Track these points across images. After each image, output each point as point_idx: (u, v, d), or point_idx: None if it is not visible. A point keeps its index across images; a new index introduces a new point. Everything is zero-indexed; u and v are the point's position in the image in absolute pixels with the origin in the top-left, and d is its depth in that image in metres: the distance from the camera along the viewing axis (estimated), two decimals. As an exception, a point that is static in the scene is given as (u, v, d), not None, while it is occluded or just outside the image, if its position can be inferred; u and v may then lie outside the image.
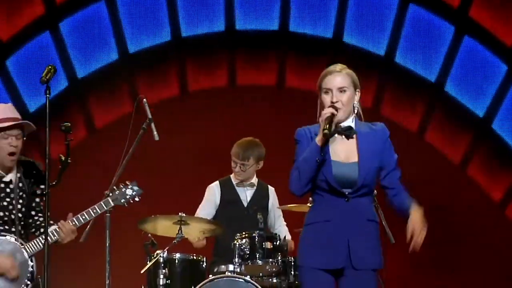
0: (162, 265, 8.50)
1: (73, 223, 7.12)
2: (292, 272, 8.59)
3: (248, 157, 9.13)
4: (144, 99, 8.50)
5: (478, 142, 11.84)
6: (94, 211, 7.27)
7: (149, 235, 8.65)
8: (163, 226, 8.60)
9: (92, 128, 11.52)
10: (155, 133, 8.35)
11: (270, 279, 8.56)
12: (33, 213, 7.26)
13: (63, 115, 10.88)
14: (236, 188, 9.18)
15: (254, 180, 9.24)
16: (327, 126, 5.95)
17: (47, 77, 6.56)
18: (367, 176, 6.11)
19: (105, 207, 7.34)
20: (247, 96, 11.49)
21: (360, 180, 6.08)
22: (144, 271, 8.56)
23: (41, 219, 7.25)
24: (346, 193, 6.08)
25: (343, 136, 6.17)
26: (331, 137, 6.05)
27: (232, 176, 9.26)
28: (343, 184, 6.10)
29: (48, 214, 7.04)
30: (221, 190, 9.20)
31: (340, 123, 6.14)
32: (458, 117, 11.86)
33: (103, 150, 11.06)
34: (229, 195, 9.18)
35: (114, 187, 7.54)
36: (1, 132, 7.04)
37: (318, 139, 5.97)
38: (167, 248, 8.54)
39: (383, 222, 8.49)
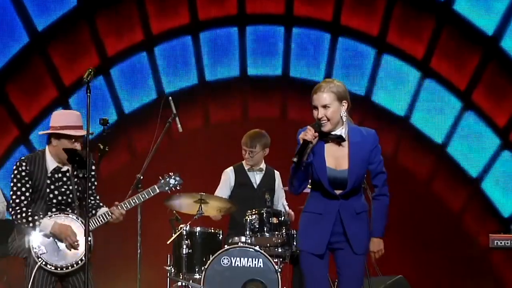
0: (185, 237, 8.71)
1: (123, 208, 7.25)
2: (294, 243, 8.82)
3: (255, 145, 9.26)
4: (170, 97, 8.79)
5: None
6: (142, 196, 7.40)
7: (174, 211, 8.94)
8: (186, 204, 8.82)
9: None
10: (179, 125, 8.72)
11: (276, 249, 8.77)
12: (91, 195, 7.31)
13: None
14: (248, 172, 9.35)
15: (263, 165, 9.38)
16: (298, 153, 6.13)
17: (88, 78, 6.68)
18: (356, 181, 6.28)
19: (152, 193, 7.45)
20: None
21: (350, 185, 6.27)
22: (170, 242, 8.84)
23: (93, 201, 7.32)
24: (338, 194, 6.29)
25: (334, 143, 6.28)
26: (302, 162, 6.13)
27: (244, 162, 9.41)
28: (335, 186, 6.27)
29: (95, 195, 7.41)
30: (235, 174, 9.37)
31: (331, 132, 6.25)
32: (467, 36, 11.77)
33: (131, 137, 11.48)
34: (241, 179, 9.35)
35: (160, 177, 7.60)
36: (70, 137, 7.09)
37: (293, 160, 6.13)
38: (189, 222, 8.80)
39: (369, 196, 8.84)
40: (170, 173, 7.63)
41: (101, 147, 7.34)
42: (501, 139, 11.53)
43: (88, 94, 6.70)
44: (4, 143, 11.47)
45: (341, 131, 6.32)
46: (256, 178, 9.39)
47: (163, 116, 8.71)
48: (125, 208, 7.24)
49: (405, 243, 10.38)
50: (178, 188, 7.72)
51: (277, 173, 9.47)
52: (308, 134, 6.13)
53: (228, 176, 9.39)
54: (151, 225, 9.11)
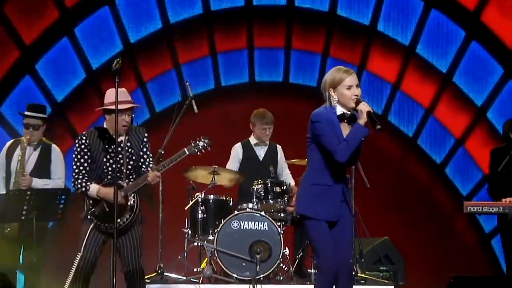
0: (200, 203, 8.88)
1: (157, 171, 7.26)
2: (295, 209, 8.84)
3: (273, 122, 9.41)
4: (187, 82, 8.86)
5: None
6: (174, 159, 7.33)
7: (191, 181, 9.10)
8: (201, 175, 9.00)
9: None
10: (195, 107, 8.73)
11: (279, 214, 8.93)
12: (140, 164, 7.36)
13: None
14: (254, 147, 9.46)
15: (267, 140, 9.47)
16: (377, 123, 6.07)
17: (116, 66, 6.94)
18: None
19: (182, 155, 7.37)
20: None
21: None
22: (187, 208, 8.99)
23: (144, 168, 7.34)
24: (345, 167, 6.31)
25: (347, 123, 6.24)
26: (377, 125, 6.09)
27: (250, 138, 9.49)
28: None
29: (151, 160, 7.46)
30: (242, 149, 9.47)
31: (350, 111, 6.22)
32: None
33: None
34: (248, 153, 9.46)
35: (192, 141, 7.46)
36: (120, 111, 7.14)
37: (362, 123, 6.10)
38: (204, 191, 8.97)
39: (361, 171, 8.75)
40: (200, 137, 7.51)
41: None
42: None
43: (117, 80, 6.95)
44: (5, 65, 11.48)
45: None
46: (261, 152, 9.47)
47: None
48: (159, 171, 7.26)
49: (390, 206, 10.50)
50: (208, 149, 7.50)
51: (279, 147, 9.52)
52: (366, 105, 6.12)
53: (237, 151, 9.46)
54: (171, 194, 9.14)
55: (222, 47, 11.74)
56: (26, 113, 8.46)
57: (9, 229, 8.20)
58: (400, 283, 9.10)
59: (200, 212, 8.95)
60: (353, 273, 6.85)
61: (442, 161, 11.60)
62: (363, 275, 8.79)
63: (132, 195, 7.23)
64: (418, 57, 11.67)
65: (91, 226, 7.26)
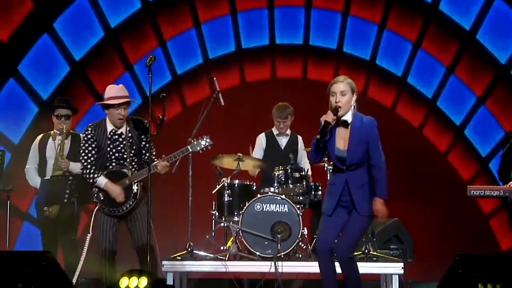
0: (226, 188, 8.86)
1: (167, 161, 7.49)
2: (313, 193, 9.00)
3: (287, 116, 9.43)
4: (215, 78, 9.00)
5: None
6: (180, 154, 7.64)
7: (218, 167, 9.07)
8: (227, 162, 8.96)
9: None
10: (221, 100, 8.90)
11: (298, 197, 8.90)
12: (142, 152, 7.52)
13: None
14: (276, 137, 9.48)
15: (288, 131, 9.48)
16: (321, 132, 6.38)
17: (149, 63, 7.09)
18: (352, 160, 6.48)
19: (185, 152, 7.67)
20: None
21: (348, 161, 6.51)
22: (215, 192, 8.98)
23: (145, 157, 7.51)
24: (343, 167, 6.56)
25: (343, 127, 6.52)
26: (321, 139, 6.39)
27: (273, 128, 9.49)
28: (341, 162, 6.55)
29: (154, 153, 7.65)
30: (266, 139, 9.49)
31: (341, 117, 6.48)
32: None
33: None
34: (271, 142, 9.47)
35: (194, 138, 7.80)
36: (114, 106, 7.41)
37: (317, 137, 6.39)
38: (229, 176, 8.96)
39: None
40: (201, 136, 7.74)
41: (160, 117, 7.64)
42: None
43: (150, 75, 7.06)
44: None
45: (347, 116, 6.52)
46: (282, 141, 9.49)
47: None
48: (168, 161, 7.43)
49: (401, 190, 10.02)
50: (209, 148, 7.79)
51: (299, 137, 9.53)
52: (328, 116, 6.36)
53: (261, 141, 9.50)
54: (200, 178, 9.05)
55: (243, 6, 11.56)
56: (58, 105, 8.64)
57: (50, 210, 8.30)
58: (409, 260, 9.05)
59: (226, 195, 8.94)
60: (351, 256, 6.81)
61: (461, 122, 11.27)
62: (375, 253, 8.73)
63: (136, 183, 7.32)
64: (440, 16, 11.30)
65: (95, 209, 7.41)
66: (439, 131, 11.35)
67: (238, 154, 8.93)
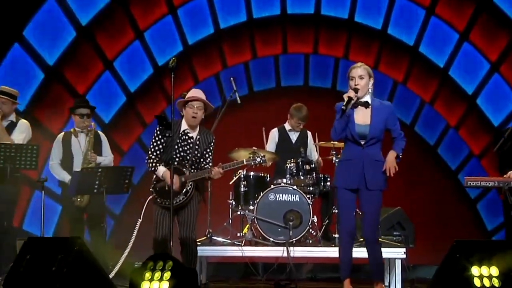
0: (242, 179, 8.94)
1: (222, 169, 7.38)
2: (322, 184, 9.03)
3: (306, 119, 9.39)
4: (232, 78, 9.01)
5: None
6: (235, 164, 7.55)
7: (235, 160, 8.93)
8: (243, 155, 8.65)
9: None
10: (238, 99, 8.96)
11: (308, 188, 8.92)
12: (201, 160, 7.41)
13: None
14: (288, 132, 9.45)
15: (298, 128, 9.45)
16: (345, 105, 6.51)
17: (172, 65, 6.93)
18: (375, 133, 6.59)
19: (240, 164, 7.57)
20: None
21: (370, 135, 6.61)
22: (232, 183, 9.04)
23: (204, 164, 7.41)
24: (362, 142, 6.62)
25: (363, 107, 6.68)
26: (347, 111, 6.49)
27: (285, 124, 9.45)
28: (360, 137, 6.61)
29: (210, 162, 7.52)
30: (278, 134, 9.44)
31: (360, 99, 6.63)
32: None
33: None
34: (283, 137, 9.43)
35: (251, 154, 7.76)
36: (188, 103, 7.34)
37: (342, 108, 6.51)
38: (245, 168, 8.92)
39: None
40: (260, 153, 7.82)
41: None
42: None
43: (172, 76, 6.95)
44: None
45: (367, 98, 6.69)
46: (293, 136, 9.48)
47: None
48: (223, 169, 7.39)
49: (402, 182, 9.94)
50: (263, 164, 7.77)
51: (309, 133, 9.52)
52: (351, 93, 6.54)
53: (274, 135, 9.46)
54: None
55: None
56: (79, 105, 8.66)
57: (81, 199, 8.34)
58: (410, 245, 9.01)
59: (242, 186, 8.99)
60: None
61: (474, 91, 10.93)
62: (379, 239, 8.72)
63: (190, 182, 7.30)
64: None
65: (148, 199, 7.40)
66: (450, 103, 11.04)
67: (253, 148, 8.85)
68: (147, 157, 7.41)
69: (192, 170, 7.39)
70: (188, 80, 11.05)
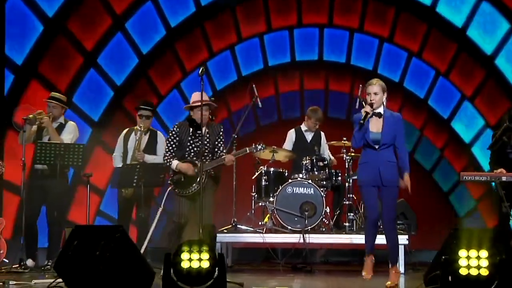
0: (264, 174, 8.91)
1: (234, 156, 7.55)
2: (334, 178, 9.02)
3: (322, 119, 9.34)
4: (254, 85, 8.87)
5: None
6: (243, 152, 7.63)
7: (257, 157, 9.01)
8: (264, 153, 8.76)
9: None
10: (259, 103, 8.84)
11: (322, 182, 8.91)
12: (215, 150, 7.52)
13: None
14: (304, 133, 9.38)
15: (314, 128, 9.38)
16: (363, 119, 6.61)
17: (201, 73, 6.92)
18: (386, 140, 6.65)
19: (245, 152, 7.64)
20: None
21: (382, 141, 6.66)
22: (254, 178, 9.04)
23: (217, 154, 7.52)
24: (376, 147, 6.68)
25: (377, 117, 6.73)
26: (364, 123, 6.60)
27: (302, 125, 9.38)
28: (374, 142, 6.68)
29: (222, 149, 7.59)
30: (295, 134, 9.38)
31: (376, 109, 6.71)
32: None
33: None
34: (299, 136, 9.37)
35: (253, 144, 7.75)
36: (196, 107, 7.38)
37: (360, 122, 6.60)
38: (266, 165, 8.99)
39: None
40: (260, 142, 7.79)
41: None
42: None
43: (202, 82, 6.97)
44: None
45: (380, 109, 6.74)
46: (309, 136, 9.41)
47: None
48: (234, 156, 7.54)
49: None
50: (262, 151, 7.97)
51: (322, 133, 9.46)
52: (367, 108, 6.62)
53: (291, 135, 9.41)
54: (242, 167, 9.06)
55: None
56: (141, 107, 8.60)
57: (126, 191, 8.35)
58: (412, 233, 8.98)
59: (263, 180, 8.96)
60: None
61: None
62: (396, 228, 8.64)
63: (203, 173, 7.30)
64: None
65: (168, 189, 7.51)
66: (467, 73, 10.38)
67: (273, 146, 8.86)
68: (163, 155, 7.62)
69: (206, 161, 7.46)
70: (202, 51, 10.63)
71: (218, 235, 8.44)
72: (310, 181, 8.79)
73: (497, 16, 10.33)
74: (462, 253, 5.47)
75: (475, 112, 10.43)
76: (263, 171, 8.98)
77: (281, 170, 9.11)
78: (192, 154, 7.49)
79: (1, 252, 7.99)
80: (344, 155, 8.99)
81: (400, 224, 8.93)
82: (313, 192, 8.71)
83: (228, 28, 10.67)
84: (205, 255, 5.51)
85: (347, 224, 8.91)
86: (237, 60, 10.67)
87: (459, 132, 10.49)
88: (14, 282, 6.70)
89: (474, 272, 5.42)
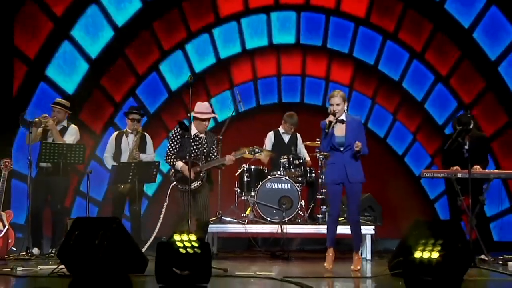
0: (246, 171, 8.88)
1: (232, 156, 7.43)
2: (308, 175, 9.01)
3: (297, 124, 9.25)
4: (237, 92, 8.94)
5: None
6: (242, 153, 7.51)
7: (240, 156, 8.87)
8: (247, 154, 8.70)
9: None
10: (243, 108, 8.95)
11: (298, 178, 8.87)
12: (210, 154, 7.48)
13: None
14: (281, 135, 9.32)
15: (290, 131, 9.29)
16: (327, 128, 6.74)
17: (190, 81, 6.79)
18: (349, 142, 6.79)
19: (243, 153, 7.51)
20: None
21: (346, 143, 6.81)
22: (237, 174, 8.98)
23: (213, 156, 7.50)
24: (341, 149, 6.84)
25: (340, 123, 6.85)
26: (329, 130, 6.71)
27: (279, 128, 9.30)
28: (339, 145, 6.84)
29: (216, 154, 7.57)
30: (274, 136, 9.32)
31: (339, 117, 6.83)
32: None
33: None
34: (278, 138, 9.31)
35: (250, 147, 7.55)
36: (199, 119, 7.39)
37: (326, 131, 6.74)
38: (247, 163, 8.92)
39: None
40: (255, 146, 7.63)
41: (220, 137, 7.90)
42: None
43: (190, 88, 6.81)
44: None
45: (343, 116, 6.88)
46: (286, 138, 9.36)
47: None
48: (234, 157, 7.44)
49: (372, 170, 9.72)
50: (257, 155, 7.66)
51: (298, 135, 9.39)
52: (331, 118, 6.79)
53: (270, 137, 9.35)
54: (227, 165, 8.57)
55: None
56: (132, 111, 8.62)
57: (122, 187, 8.35)
58: (378, 224, 9.05)
59: (245, 176, 8.93)
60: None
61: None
62: (360, 220, 8.61)
63: (203, 171, 7.35)
64: None
65: (171, 186, 7.42)
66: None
67: (254, 146, 8.80)
68: (166, 156, 7.49)
69: (203, 163, 7.47)
70: (180, 31, 10.23)
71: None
72: (287, 178, 8.77)
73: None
74: (420, 240, 5.54)
75: (448, 94, 10.11)
76: (245, 169, 8.94)
77: (261, 168, 9.07)
78: (192, 156, 7.44)
79: (9, 241, 8.00)
80: (318, 154, 9.01)
81: (367, 216, 8.98)
82: (290, 187, 8.69)
83: (207, 8, 10.30)
84: (194, 244, 5.54)
85: (320, 216, 8.92)
86: (215, 42, 10.29)
87: (432, 115, 10.19)
88: (21, 268, 6.72)
89: (426, 255, 5.46)
